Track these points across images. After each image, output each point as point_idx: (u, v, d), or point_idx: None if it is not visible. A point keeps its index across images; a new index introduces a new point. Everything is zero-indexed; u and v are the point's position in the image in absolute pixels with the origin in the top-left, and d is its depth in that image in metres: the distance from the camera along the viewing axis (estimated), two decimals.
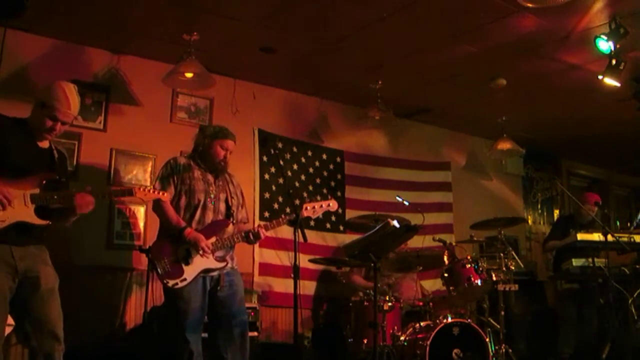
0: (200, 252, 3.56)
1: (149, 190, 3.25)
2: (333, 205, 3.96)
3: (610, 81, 4.67)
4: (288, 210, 5.07)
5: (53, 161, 3.04)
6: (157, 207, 3.67)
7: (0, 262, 2.75)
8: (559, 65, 5.28)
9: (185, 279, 3.52)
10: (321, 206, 3.89)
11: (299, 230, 3.60)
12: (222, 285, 3.67)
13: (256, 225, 3.95)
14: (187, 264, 3.55)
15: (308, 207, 3.85)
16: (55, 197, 2.88)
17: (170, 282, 3.50)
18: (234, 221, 3.83)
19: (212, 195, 3.75)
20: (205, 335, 3.70)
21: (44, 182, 2.88)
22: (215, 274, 3.66)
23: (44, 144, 3.03)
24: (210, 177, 3.81)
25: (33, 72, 4.67)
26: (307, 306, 5.63)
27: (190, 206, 3.69)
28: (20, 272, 2.80)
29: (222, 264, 3.65)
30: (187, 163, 3.80)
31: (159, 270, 3.50)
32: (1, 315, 2.76)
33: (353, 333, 4.75)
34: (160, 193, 3.29)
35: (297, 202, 3.88)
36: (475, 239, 5.39)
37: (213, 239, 3.62)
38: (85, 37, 4.89)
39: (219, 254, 3.66)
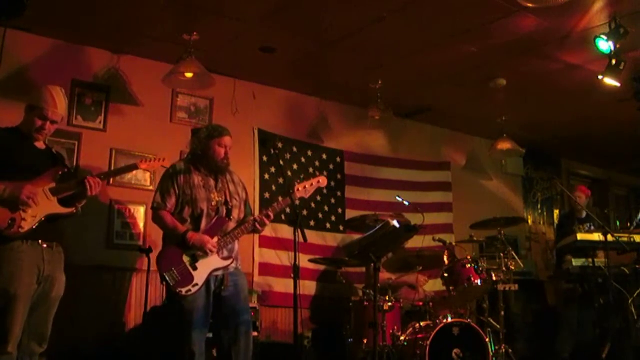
0: (209, 252, 3.56)
1: (152, 160, 3.47)
2: (322, 181, 3.95)
3: (610, 81, 4.67)
4: (288, 210, 5.06)
5: (55, 157, 3.26)
6: (157, 217, 3.68)
7: (32, 264, 2.95)
8: (559, 65, 5.28)
9: (197, 284, 3.51)
10: (312, 184, 3.89)
11: (299, 230, 3.59)
12: (226, 285, 3.67)
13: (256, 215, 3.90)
14: (195, 269, 3.54)
15: (300, 188, 3.82)
16: (71, 185, 3.10)
17: (184, 290, 3.48)
18: (231, 218, 3.80)
19: (214, 204, 3.73)
20: (210, 335, 3.70)
21: (60, 174, 3.09)
22: (219, 273, 3.65)
23: (41, 145, 3.20)
24: (211, 182, 3.77)
25: (33, 72, 4.67)
26: (307, 306, 5.63)
27: (194, 216, 3.67)
28: (43, 276, 3.00)
29: (228, 262, 3.65)
30: (186, 170, 3.74)
31: (169, 282, 3.47)
32: (22, 315, 2.90)
33: (353, 333, 4.75)
34: (162, 160, 3.51)
35: (297, 202, 3.85)
36: (475, 239, 5.39)
37: (215, 239, 3.62)
38: (85, 37, 4.89)
39: (224, 253, 3.67)
